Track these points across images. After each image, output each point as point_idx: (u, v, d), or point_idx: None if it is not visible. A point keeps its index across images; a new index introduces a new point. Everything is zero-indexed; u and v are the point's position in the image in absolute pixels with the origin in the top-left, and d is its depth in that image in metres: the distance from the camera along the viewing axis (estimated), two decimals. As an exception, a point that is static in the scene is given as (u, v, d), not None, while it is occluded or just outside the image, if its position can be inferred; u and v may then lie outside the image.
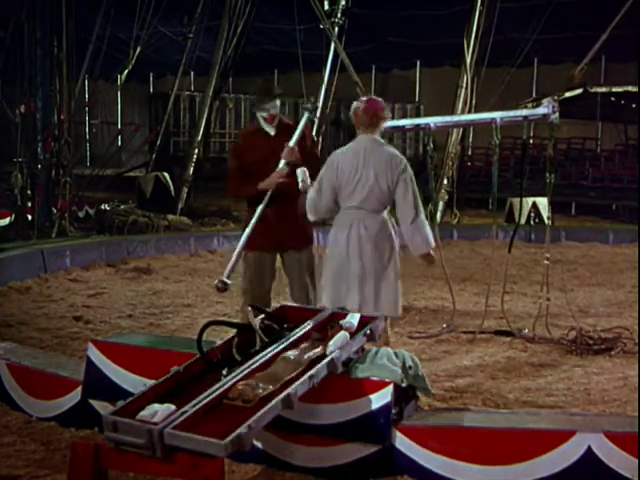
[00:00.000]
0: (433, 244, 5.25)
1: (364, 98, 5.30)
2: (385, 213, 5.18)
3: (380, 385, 3.95)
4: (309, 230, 5.64)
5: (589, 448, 3.66)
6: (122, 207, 13.41)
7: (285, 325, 4.28)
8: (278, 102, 5.57)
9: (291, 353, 3.93)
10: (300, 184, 5.29)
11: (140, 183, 16.12)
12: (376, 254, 5.09)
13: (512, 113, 7.52)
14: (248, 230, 5.40)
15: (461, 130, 17.14)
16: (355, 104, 5.24)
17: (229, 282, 5.25)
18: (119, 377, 4.54)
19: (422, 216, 5.15)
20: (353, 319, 4.30)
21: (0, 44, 12.37)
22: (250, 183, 5.46)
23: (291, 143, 5.42)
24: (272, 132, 5.59)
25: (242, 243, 5.40)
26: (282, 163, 5.39)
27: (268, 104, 5.54)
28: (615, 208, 17.72)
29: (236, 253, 5.38)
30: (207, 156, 18.84)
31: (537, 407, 5.00)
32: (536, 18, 16.54)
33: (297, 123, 5.60)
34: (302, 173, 5.30)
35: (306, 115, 5.70)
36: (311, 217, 5.31)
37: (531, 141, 19.11)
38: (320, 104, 19.09)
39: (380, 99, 5.32)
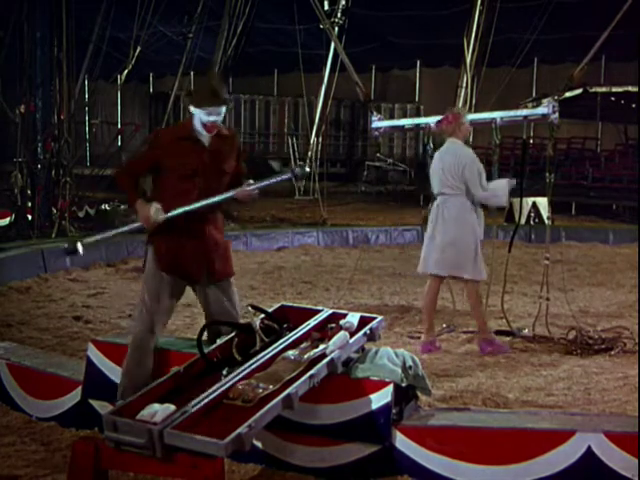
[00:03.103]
0: (503, 201, 6.68)
1: (448, 112, 6.64)
2: (463, 197, 6.36)
3: (380, 385, 3.95)
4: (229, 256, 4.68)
5: (589, 448, 3.66)
6: (122, 207, 13.40)
7: (285, 325, 4.28)
8: (224, 109, 4.51)
9: (291, 353, 3.93)
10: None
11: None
12: (456, 228, 6.36)
13: (512, 113, 7.55)
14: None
15: (461, 130, 17.13)
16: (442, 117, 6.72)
17: (80, 249, 4.46)
18: (119, 377, 4.53)
19: (483, 191, 6.37)
20: (353, 319, 4.30)
21: (0, 44, 12.37)
22: (137, 191, 4.79)
23: (256, 188, 4.53)
24: (206, 142, 4.51)
25: (128, 229, 4.74)
26: (228, 194, 4.49)
27: (214, 108, 4.43)
28: (615, 208, 17.71)
29: (115, 232, 4.76)
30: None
31: (537, 407, 4.99)
32: (536, 18, 16.56)
33: (234, 135, 4.76)
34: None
35: (288, 175, 4.83)
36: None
37: (531, 141, 19.12)
38: (320, 104, 19.13)
39: (458, 112, 6.80)
